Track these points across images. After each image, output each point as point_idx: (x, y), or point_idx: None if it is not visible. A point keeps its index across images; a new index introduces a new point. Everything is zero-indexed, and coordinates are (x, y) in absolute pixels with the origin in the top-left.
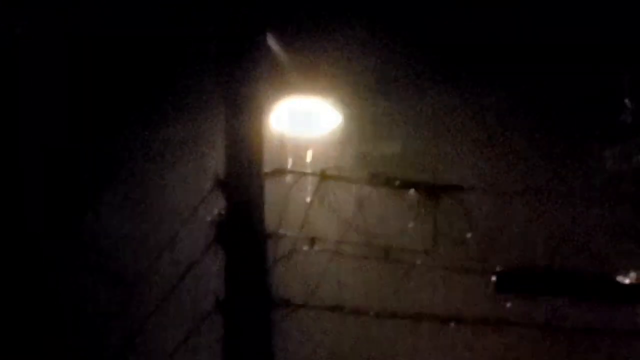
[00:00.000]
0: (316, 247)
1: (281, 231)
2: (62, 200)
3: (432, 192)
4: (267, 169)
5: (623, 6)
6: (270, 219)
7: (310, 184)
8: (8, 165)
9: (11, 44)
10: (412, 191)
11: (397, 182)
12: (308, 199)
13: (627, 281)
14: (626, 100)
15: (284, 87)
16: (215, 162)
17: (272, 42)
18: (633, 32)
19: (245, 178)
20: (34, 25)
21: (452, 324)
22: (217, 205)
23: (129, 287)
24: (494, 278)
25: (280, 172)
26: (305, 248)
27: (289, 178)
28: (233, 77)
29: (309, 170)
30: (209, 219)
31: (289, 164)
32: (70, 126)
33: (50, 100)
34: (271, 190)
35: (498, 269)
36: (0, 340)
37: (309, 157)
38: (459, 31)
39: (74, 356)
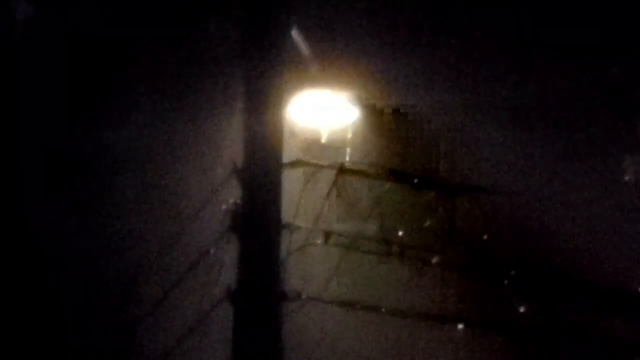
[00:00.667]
0: (331, 241)
1: (296, 223)
2: (70, 189)
3: (449, 191)
4: (285, 160)
5: None
6: (286, 210)
7: (327, 177)
8: (8, 165)
9: (11, 44)
10: (429, 190)
11: (415, 180)
12: (324, 192)
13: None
14: None
15: (304, 79)
16: (233, 152)
17: (294, 34)
18: None
19: (263, 168)
20: (35, 25)
21: (464, 324)
22: (233, 195)
23: (141, 275)
24: (508, 280)
25: (298, 163)
26: (320, 241)
27: (306, 170)
28: (255, 69)
29: (327, 164)
30: (224, 207)
31: (307, 156)
32: (82, 116)
33: (57, 95)
34: (288, 182)
35: (513, 271)
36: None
37: (326, 150)
38: (477, 27)
39: (85, 352)
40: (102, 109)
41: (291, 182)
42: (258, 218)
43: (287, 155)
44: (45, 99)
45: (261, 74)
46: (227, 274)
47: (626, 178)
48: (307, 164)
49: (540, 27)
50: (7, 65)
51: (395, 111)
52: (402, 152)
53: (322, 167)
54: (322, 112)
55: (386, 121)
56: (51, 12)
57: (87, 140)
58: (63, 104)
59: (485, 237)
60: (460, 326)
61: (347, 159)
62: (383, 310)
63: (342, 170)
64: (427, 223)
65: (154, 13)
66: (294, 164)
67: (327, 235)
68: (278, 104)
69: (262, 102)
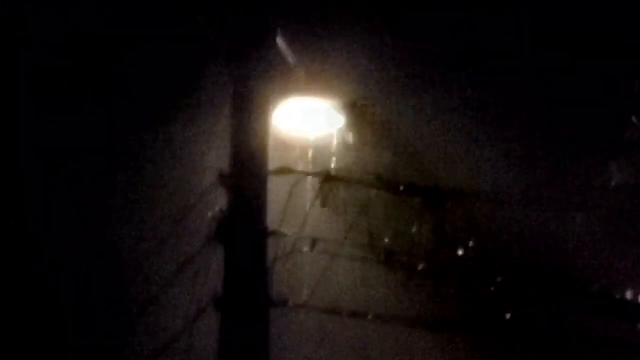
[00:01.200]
0: (317, 248)
1: (282, 230)
2: (61, 199)
3: (435, 196)
4: (271, 167)
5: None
6: (272, 217)
7: (313, 184)
8: (8, 165)
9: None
10: (415, 196)
11: (401, 186)
12: (311, 200)
13: (626, 296)
14: (633, 118)
15: (290, 86)
16: (219, 159)
17: (280, 41)
18: None
19: (248, 175)
20: (34, 25)
21: (452, 329)
22: (219, 202)
23: (125, 281)
24: (494, 287)
25: (284, 171)
26: (306, 249)
27: (292, 177)
28: (240, 75)
29: (313, 171)
30: (209, 215)
31: (293, 163)
32: (70, 124)
33: (51, 99)
34: (274, 189)
35: (499, 277)
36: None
37: (312, 157)
38: (461, 33)
39: (73, 355)
40: (84, 112)
41: (277, 189)
42: (244, 225)
43: (273, 163)
44: (46, 97)
45: (247, 81)
46: (214, 281)
47: (612, 183)
48: (293, 171)
49: (530, 34)
50: (4, 65)
51: (380, 118)
52: (389, 158)
53: (308, 174)
54: (308, 119)
55: (372, 128)
56: (41, 12)
57: (71, 142)
58: (63, 102)
59: (472, 243)
60: (450, 330)
61: (333, 166)
62: (370, 316)
63: (328, 177)
64: (414, 229)
65: (137, 18)
66: (280, 171)
67: (314, 242)
68: (264, 111)
69: (248, 109)
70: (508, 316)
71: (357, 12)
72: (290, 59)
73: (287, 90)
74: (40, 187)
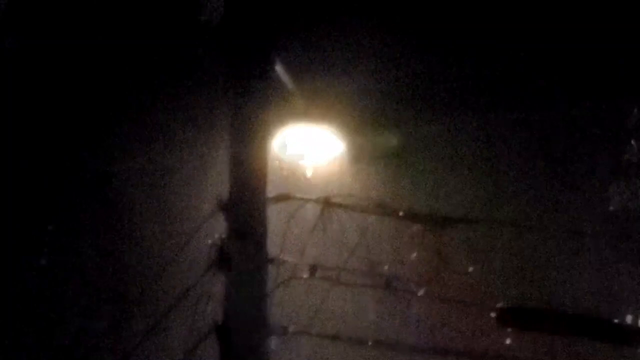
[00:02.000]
0: (317, 275)
1: (282, 257)
2: (60, 228)
3: (435, 223)
4: (270, 194)
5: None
6: (271, 244)
7: (312, 210)
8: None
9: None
10: (415, 222)
11: (401, 212)
12: (310, 226)
13: (628, 322)
14: (632, 141)
15: (289, 112)
16: (218, 186)
17: (278, 67)
18: None
19: (248, 202)
20: (24, 53)
21: (451, 357)
22: (218, 229)
23: (126, 308)
24: (494, 313)
25: (283, 197)
26: (306, 275)
27: (292, 204)
28: (239, 102)
29: (312, 197)
30: (209, 242)
31: (292, 190)
32: (67, 148)
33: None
34: (273, 216)
35: (499, 303)
36: None
37: (311, 183)
38: (467, 59)
39: None
40: (84, 139)
41: (276, 216)
42: (244, 252)
43: (273, 189)
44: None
45: (245, 107)
46: (213, 309)
47: (611, 208)
48: (293, 198)
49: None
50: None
51: (380, 143)
52: (388, 184)
53: (307, 200)
54: (307, 146)
55: (371, 154)
56: (39, 40)
57: (71, 170)
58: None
59: (471, 268)
60: (450, 358)
61: (333, 192)
62: (370, 343)
63: (327, 203)
64: (414, 255)
65: (135, 45)
66: (279, 198)
67: (313, 268)
68: (263, 137)
69: (246, 136)
70: (508, 342)
71: (356, 37)
72: (289, 85)
73: (285, 116)
74: (38, 212)
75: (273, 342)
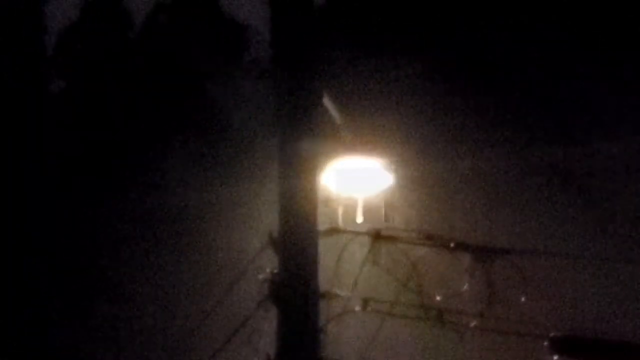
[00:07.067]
0: (369, 308)
1: (334, 291)
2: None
3: (486, 254)
4: (320, 227)
5: None
6: (323, 278)
7: (363, 243)
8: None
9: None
10: (466, 253)
11: (452, 244)
12: (361, 259)
13: None
14: None
15: (337, 146)
16: (268, 221)
17: (327, 102)
18: None
19: (299, 236)
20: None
21: None
22: (270, 264)
23: (178, 345)
24: (547, 342)
25: (334, 231)
26: (358, 308)
27: (342, 237)
28: (288, 137)
29: (362, 230)
30: (261, 276)
31: (343, 223)
32: (115, 186)
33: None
34: (324, 249)
35: (551, 333)
36: None
37: (362, 216)
38: (508, 96)
39: None
40: (136, 175)
41: (327, 250)
42: (295, 287)
43: (323, 223)
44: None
45: (294, 142)
46: (266, 343)
47: None
48: (343, 231)
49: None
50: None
51: (429, 176)
52: (438, 216)
53: (357, 233)
54: (356, 179)
55: (420, 186)
56: (83, 84)
57: (122, 205)
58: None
59: (523, 299)
60: None
61: (383, 225)
62: None
63: (377, 236)
64: (465, 287)
65: (188, 80)
66: (330, 231)
67: (365, 302)
68: (312, 171)
69: (295, 170)
70: None
71: (404, 70)
72: (337, 119)
73: (334, 150)
74: (96, 252)
75: None
